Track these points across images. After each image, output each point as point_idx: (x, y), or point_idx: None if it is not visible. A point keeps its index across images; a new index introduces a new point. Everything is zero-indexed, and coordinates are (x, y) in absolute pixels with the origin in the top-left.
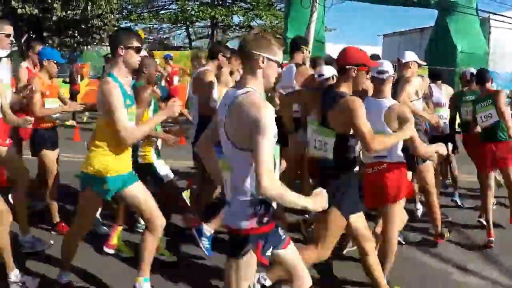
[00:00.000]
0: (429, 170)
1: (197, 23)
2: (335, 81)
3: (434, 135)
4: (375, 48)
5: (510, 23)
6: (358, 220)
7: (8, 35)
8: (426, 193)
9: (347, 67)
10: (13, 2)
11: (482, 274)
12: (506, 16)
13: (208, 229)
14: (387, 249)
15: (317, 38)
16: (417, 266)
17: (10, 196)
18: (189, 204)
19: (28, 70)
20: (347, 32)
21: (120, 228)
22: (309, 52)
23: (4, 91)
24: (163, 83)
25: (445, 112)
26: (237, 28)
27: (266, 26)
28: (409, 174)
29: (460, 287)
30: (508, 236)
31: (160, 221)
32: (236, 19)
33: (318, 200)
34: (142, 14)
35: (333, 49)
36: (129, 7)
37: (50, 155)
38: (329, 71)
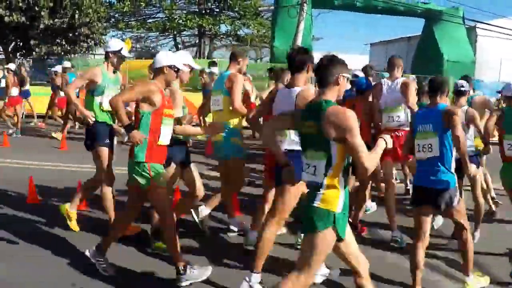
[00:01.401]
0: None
1: (184, 32)
2: None
3: None
4: (362, 57)
5: (496, 32)
6: None
7: None
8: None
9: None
10: (0, 10)
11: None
12: (492, 25)
13: None
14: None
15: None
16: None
17: None
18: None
19: None
20: (334, 41)
21: None
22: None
23: None
24: None
25: None
26: (224, 37)
27: (253, 35)
28: None
29: None
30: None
31: None
32: (223, 28)
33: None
34: (129, 22)
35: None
36: (117, 15)
37: None
38: None
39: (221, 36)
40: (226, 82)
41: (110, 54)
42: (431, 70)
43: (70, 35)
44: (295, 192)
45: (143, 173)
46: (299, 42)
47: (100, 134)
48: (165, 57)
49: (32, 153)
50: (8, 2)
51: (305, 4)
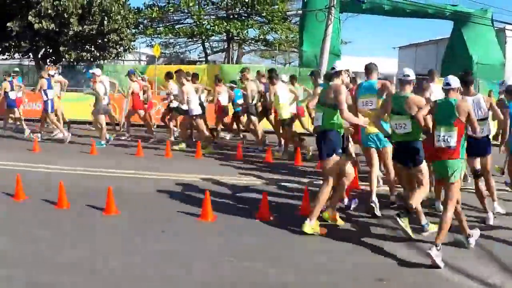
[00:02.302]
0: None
1: (213, 37)
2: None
3: None
4: (391, 60)
5: None
6: None
7: None
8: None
9: None
10: (30, 17)
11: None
12: None
13: None
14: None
15: (333, 51)
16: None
17: None
18: None
19: None
20: (363, 45)
21: None
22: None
23: None
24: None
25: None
26: (253, 41)
27: (282, 40)
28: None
29: None
30: None
31: None
32: (251, 32)
33: None
34: (158, 28)
35: (349, 62)
36: (145, 21)
37: None
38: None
39: (250, 41)
40: (379, 87)
41: None
42: None
43: (99, 41)
44: None
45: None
46: (327, 46)
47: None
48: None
49: (60, 158)
50: (37, 9)
51: (333, 8)
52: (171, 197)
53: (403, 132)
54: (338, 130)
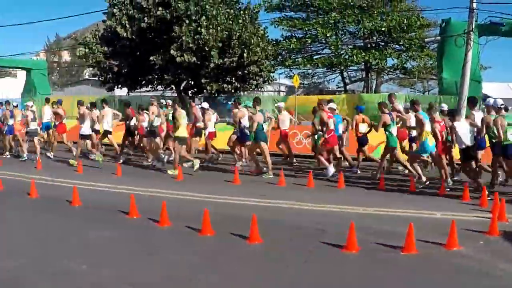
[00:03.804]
0: None
1: (351, 67)
2: None
3: None
4: None
5: None
6: None
7: None
8: None
9: None
10: (172, 51)
11: None
12: None
13: None
14: None
15: (473, 77)
16: None
17: None
18: None
19: None
20: (503, 70)
21: None
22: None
23: None
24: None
25: None
26: (391, 70)
27: (420, 67)
28: None
29: None
30: None
31: None
32: (389, 61)
33: None
34: (296, 59)
35: (489, 88)
36: (284, 53)
37: None
38: None
39: (388, 69)
40: None
41: None
42: None
43: (240, 73)
44: None
45: None
46: (467, 72)
47: None
48: None
49: (203, 186)
50: (179, 43)
51: (471, 33)
52: (313, 227)
53: None
54: None
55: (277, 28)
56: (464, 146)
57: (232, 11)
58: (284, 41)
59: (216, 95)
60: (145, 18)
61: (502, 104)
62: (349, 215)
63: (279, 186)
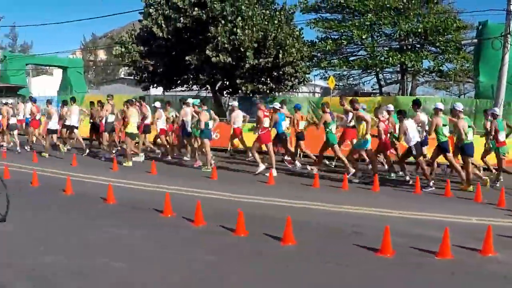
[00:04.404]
0: None
1: (386, 69)
2: None
3: None
4: None
5: None
6: None
7: None
8: None
9: None
10: (207, 51)
11: None
12: None
13: None
14: None
15: (509, 80)
16: None
17: None
18: None
19: None
20: None
21: None
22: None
23: None
24: None
25: None
26: (427, 73)
27: (457, 70)
28: None
29: None
30: None
31: None
32: (425, 63)
33: None
34: (332, 61)
35: None
36: (319, 54)
37: None
38: None
39: (424, 72)
40: None
41: None
42: None
43: (275, 74)
44: None
45: None
46: (504, 75)
47: None
48: None
49: (237, 186)
50: (215, 44)
51: (508, 36)
52: (347, 229)
53: None
54: None
55: (313, 29)
56: (413, 143)
57: (267, 11)
58: (320, 43)
59: (251, 95)
60: (181, 18)
61: (463, 108)
62: (384, 218)
63: (313, 188)
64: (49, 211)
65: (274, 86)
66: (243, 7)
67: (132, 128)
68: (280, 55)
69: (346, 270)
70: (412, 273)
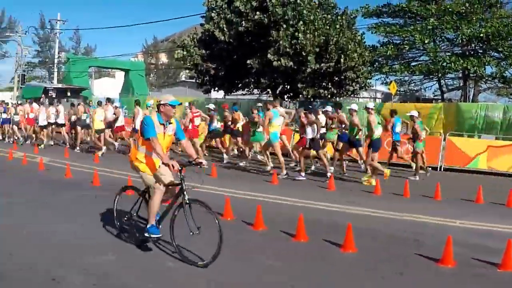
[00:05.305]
0: None
1: (449, 75)
2: None
3: None
4: None
5: None
6: None
7: None
8: None
9: None
10: (269, 55)
11: None
12: None
13: None
14: None
15: None
16: None
17: None
18: None
19: None
20: None
21: None
22: None
23: None
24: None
25: None
26: (490, 79)
27: None
28: None
29: None
30: None
31: None
32: (488, 69)
33: None
34: (393, 66)
35: None
36: (380, 59)
37: None
38: None
39: (486, 78)
40: None
41: None
42: None
43: (336, 78)
44: None
45: None
46: None
47: None
48: None
49: (299, 192)
50: (276, 48)
51: None
52: (408, 238)
53: None
54: None
55: (374, 34)
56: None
57: (329, 16)
58: (381, 47)
59: (312, 99)
60: (243, 22)
61: (374, 107)
62: (445, 227)
63: (374, 195)
64: (103, 209)
65: (335, 91)
66: (304, 11)
67: (98, 125)
68: (342, 60)
69: (407, 280)
70: (474, 285)
